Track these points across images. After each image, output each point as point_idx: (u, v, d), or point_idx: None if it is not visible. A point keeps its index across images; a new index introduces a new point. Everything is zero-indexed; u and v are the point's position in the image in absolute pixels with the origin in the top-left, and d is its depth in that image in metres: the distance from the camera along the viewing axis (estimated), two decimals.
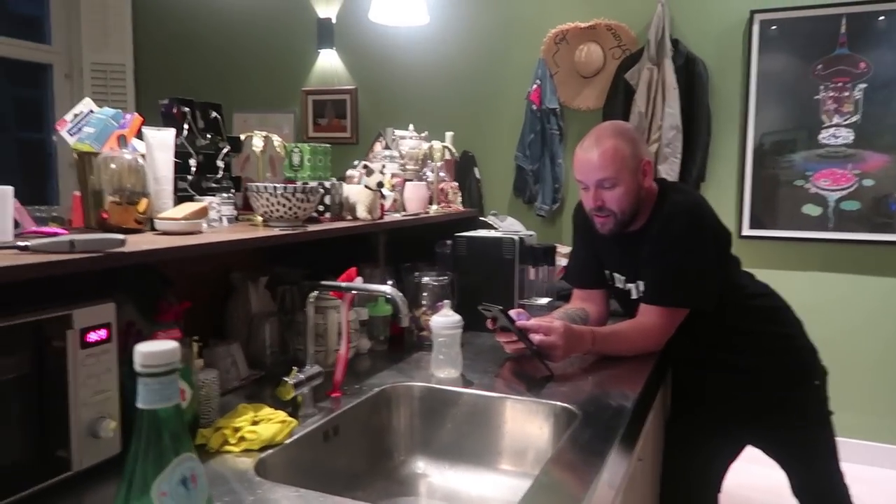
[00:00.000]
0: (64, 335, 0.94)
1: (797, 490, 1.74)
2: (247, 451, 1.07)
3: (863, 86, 2.96)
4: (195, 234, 1.26)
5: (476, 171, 3.67)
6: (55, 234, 1.05)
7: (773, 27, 3.08)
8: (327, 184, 1.62)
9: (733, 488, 1.94)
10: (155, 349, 0.53)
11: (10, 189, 1.07)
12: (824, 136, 3.03)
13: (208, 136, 1.49)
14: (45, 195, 3.91)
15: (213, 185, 1.48)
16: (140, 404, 0.54)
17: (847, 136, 3.00)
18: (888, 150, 2.94)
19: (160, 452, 0.54)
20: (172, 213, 1.29)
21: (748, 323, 1.65)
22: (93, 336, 0.98)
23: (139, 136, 1.35)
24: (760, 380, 1.65)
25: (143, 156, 1.30)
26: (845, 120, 3.00)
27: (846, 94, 2.99)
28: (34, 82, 4.22)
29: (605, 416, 1.25)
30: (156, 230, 1.27)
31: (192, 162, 1.44)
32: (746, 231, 3.19)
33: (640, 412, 1.34)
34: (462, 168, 3.63)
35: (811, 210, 3.08)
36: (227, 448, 1.08)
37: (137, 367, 0.53)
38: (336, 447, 1.25)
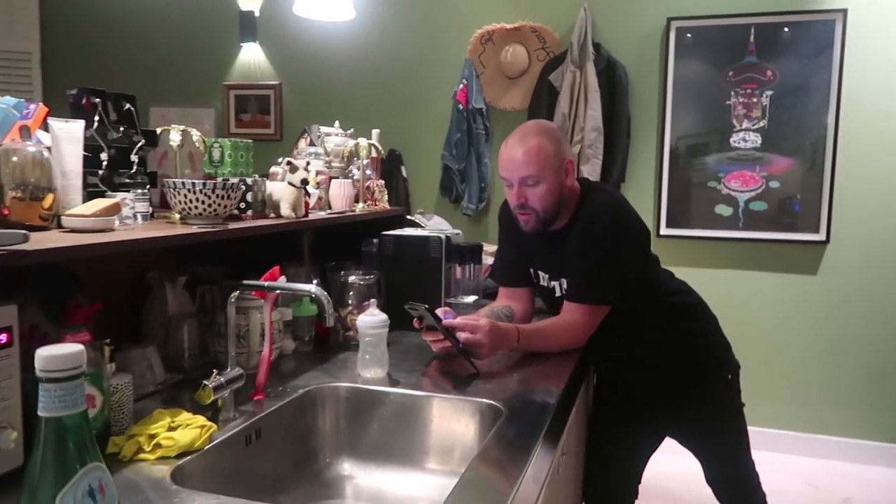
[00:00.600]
0: None
1: (711, 478, 1.82)
2: (163, 458, 1.03)
3: (769, 92, 3.13)
4: (106, 232, 1.20)
5: (403, 169, 3.66)
6: None
7: (689, 35, 3.21)
8: (249, 180, 1.58)
9: (652, 479, 2.01)
10: (58, 353, 0.50)
11: None
12: (735, 139, 3.19)
13: (121, 129, 1.42)
14: None
15: (127, 180, 1.41)
16: (42, 412, 0.50)
17: (755, 140, 3.16)
18: (792, 153, 3.12)
19: (64, 463, 0.50)
20: (82, 209, 1.21)
21: (666, 319, 1.71)
22: None
23: (45, 127, 1.27)
24: (678, 374, 1.71)
25: (48, 148, 1.23)
26: (754, 125, 3.16)
27: (755, 100, 3.15)
28: None
29: (530, 411, 1.27)
30: (63, 228, 1.20)
31: (104, 156, 1.37)
32: (664, 230, 3.31)
33: (563, 407, 1.37)
34: (389, 167, 3.61)
35: (723, 210, 3.23)
36: (142, 456, 1.03)
37: (39, 372, 0.50)
38: (259, 451, 1.21)
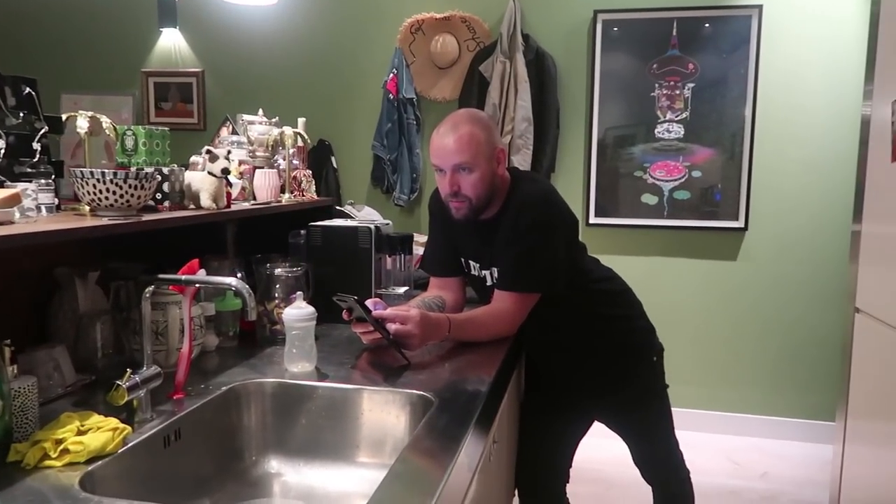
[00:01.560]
0: None
1: (637, 457, 1.86)
2: (71, 464, 0.96)
3: (691, 85, 3.22)
4: (5, 225, 1.12)
5: (333, 160, 3.59)
6: None
7: (615, 27, 3.27)
8: (166, 170, 1.50)
9: (583, 462, 2.04)
10: None
11: None
12: (659, 130, 3.27)
13: (21, 114, 1.32)
14: None
15: (29, 169, 1.32)
16: None
17: (679, 131, 3.26)
18: (712, 144, 3.23)
19: None
20: None
21: (592, 306, 1.73)
22: None
23: None
24: (603, 358, 1.75)
25: None
26: (677, 116, 3.25)
27: (677, 92, 3.24)
28: None
29: (461, 400, 1.26)
30: None
31: (0, 143, 1.28)
32: (593, 219, 3.38)
33: (495, 395, 1.37)
34: (318, 157, 3.54)
35: (649, 199, 3.32)
36: (48, 463, 0.96)
37: None
38: (178, 452, 1.16)
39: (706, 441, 3.23)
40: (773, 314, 3.29)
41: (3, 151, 1.26)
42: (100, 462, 0.98)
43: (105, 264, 1.45)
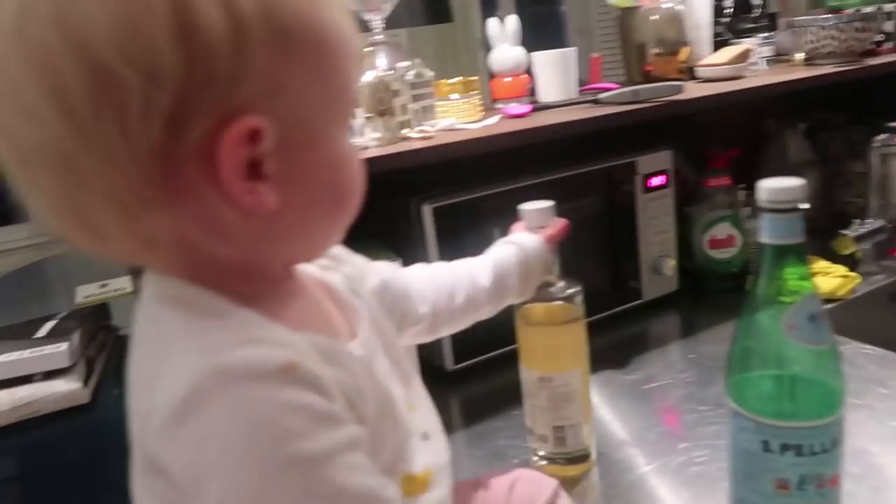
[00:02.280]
0: (632, 180, 1.04)
1: None
2: None
3: None
4: (737, 80, 1.21)
5: None
6: (608, 89, 1.13)
7: None
8: (889, 7, 1.35)
9: None
10: (781, 185, 0.53)
11: (573, 51, 1.19)
12: None
13: None
14: None
15: (750, 25, 1.38)
16: (765, 239, 0.54)
17: None
18: None
19: (784, 287, 0.54)
20: (713, 59, 1.25)
21: None
22: (654, 181, 1.06)
23: None
24: None
25: (681, 3, 1.29)
26: None
27: None
28: None
29: None
30: (696, 78, 1.26)
31: (728, 2, 1.36)
32: None
33: None
34: None
35: None
36: None
37: (764, 203, 0.53)
38: None
39: None
40: None
41: (731, 11, 1.35)
42: (829, 305, 1.02)
43: (809, 115, 1.44)
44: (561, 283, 0.68)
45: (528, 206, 0.68)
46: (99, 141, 0.31)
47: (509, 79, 1.17)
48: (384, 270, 0.59)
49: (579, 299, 0.68)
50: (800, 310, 0.54)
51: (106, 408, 0.66)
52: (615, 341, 1.01)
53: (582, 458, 0.70)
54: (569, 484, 0.67)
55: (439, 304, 0.62)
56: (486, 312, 0.65)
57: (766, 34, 1.36)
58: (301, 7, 0.35)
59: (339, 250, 0.53)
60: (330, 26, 0.36)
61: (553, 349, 0.68)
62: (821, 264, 1.07)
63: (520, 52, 1.16)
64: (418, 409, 0.49)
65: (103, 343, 0.76)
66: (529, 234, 0.67)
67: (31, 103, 0.31)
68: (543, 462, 0.71)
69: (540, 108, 1.08)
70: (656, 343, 1.01)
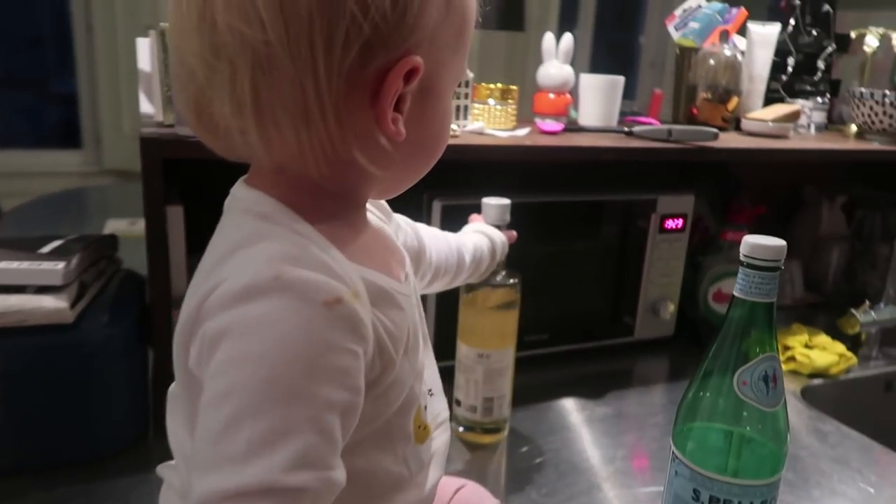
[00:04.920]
0: (648, 217, 1.04)
1: None
2: (793, 372, 1.02)
3: None
4: (782, 139, 1.20)
5: None
6: (650, 124, 1.13)
7: None
8: None
9: None
10: (764, 243, 0.53)
11: (621, 79, 1.18)
12: None
13: (813, 32, 1.36)
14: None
15: (808, 87, 1.36)
16: (738, 293, 0.55)
17: None
18: None
19: (747, 344, 0.54)
20: (761, 113, 1.24)
21: None
22: (670, 223, 1.05)
23: (741, 31, 1.31)
24: None
25: (741, 52, 1.28)
26: None
27: None
28: None
29: None
30: (740, 130, 1.25)
31: (790, 61, 1.35)
32: None
33: None
34: None
35: None
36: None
37: (743, 256, 0.54)
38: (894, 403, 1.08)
39: None
40: None
41: (791, 69, 1.34)
42: (820, 380, 1.01)
43: (850, 190, 1.42)
44: (504, 272, 0.77)
45: (490, 202, 0.76)
46: (307, 51, 0.36)
47: (553, 95, 1.18)
48: (408, 225, 0.63)
49: (518, 287, 0.78)
50: (755, 368, 0.54)
51: (86, 332, 0.69)
52: (600, 372, 1.02)
53: (498, 429, 0.81)
54: (484, 452, 0.78)
55: (439, 267, 0.67)
56: (451, 285, 0.72)
57: (822, 99, 1.34)
58: None
59: (386, 205, 0.58)
60: (472, 4, 0.44)
61: (493, 329, 0.78)
62: (821, 338, 1.06)
63: (568, 70, 1.16)
64: (427, 367, 0.53)
65: (102, 271, 0.78)
66: (494, 229, 0.75)
67: (258, 8, 0.35)
68: (462, 429, 0.80)
69: (573, 129, 1.09)
70: (639, 382, 1.01)
